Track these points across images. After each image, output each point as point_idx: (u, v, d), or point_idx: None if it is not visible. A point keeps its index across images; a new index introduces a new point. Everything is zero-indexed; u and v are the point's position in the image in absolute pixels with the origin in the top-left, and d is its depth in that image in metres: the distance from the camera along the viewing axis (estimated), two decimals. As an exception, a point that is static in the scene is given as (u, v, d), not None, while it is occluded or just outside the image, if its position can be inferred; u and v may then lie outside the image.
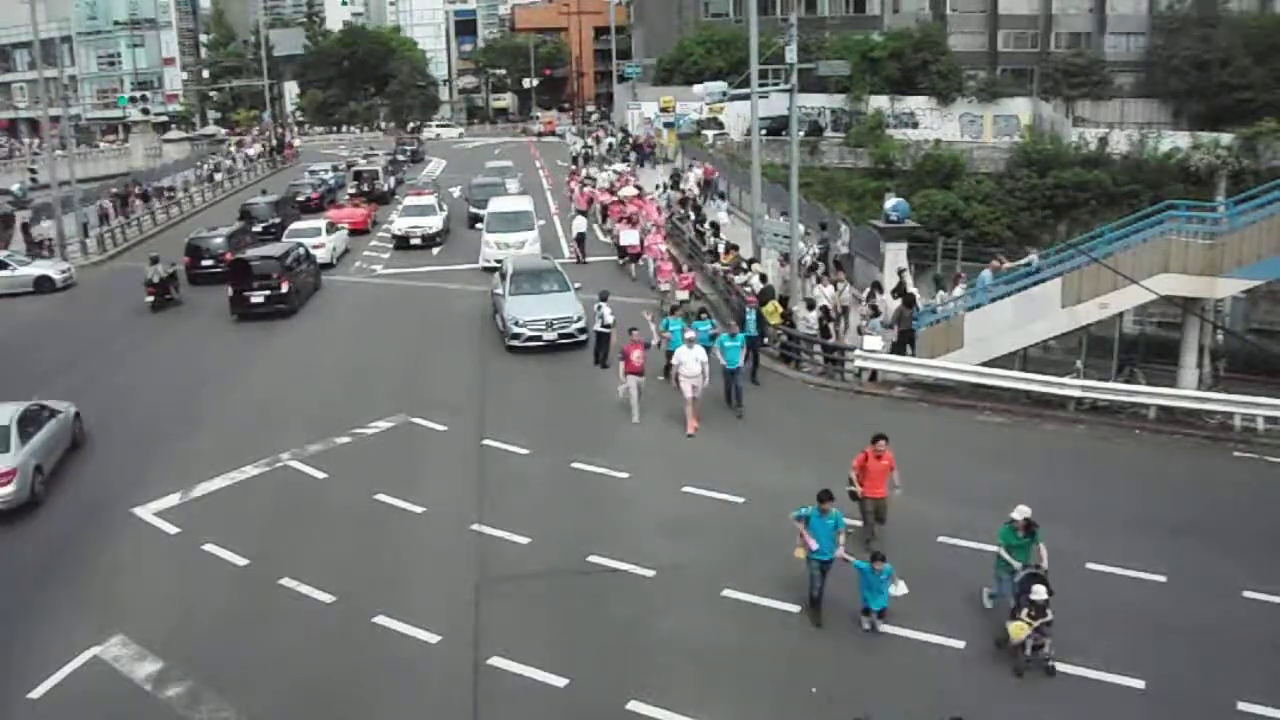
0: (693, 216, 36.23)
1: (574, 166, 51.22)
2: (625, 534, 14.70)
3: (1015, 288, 22.56)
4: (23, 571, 14.27)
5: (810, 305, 23.17)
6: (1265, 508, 15.88)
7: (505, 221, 33.38)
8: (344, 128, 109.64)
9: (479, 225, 35.93)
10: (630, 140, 64.58)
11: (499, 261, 29.79)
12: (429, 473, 17.17)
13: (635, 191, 38.80)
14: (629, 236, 31.26)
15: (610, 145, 65.25)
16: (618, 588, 13.37)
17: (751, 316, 21.51)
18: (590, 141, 68.88)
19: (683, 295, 24.64)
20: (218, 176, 59.58)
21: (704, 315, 20.15)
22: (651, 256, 28.68)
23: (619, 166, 48.83)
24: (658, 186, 42.88)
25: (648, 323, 21.41)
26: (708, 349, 19.07)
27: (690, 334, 19.11)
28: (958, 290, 23.67)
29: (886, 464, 13.77)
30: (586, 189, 41.33)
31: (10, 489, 15.66)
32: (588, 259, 32.75)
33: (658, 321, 21.79)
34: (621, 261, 31.36)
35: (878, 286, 23.28)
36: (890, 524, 14.66)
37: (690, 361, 18.45)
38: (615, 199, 37.49)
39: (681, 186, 42.68)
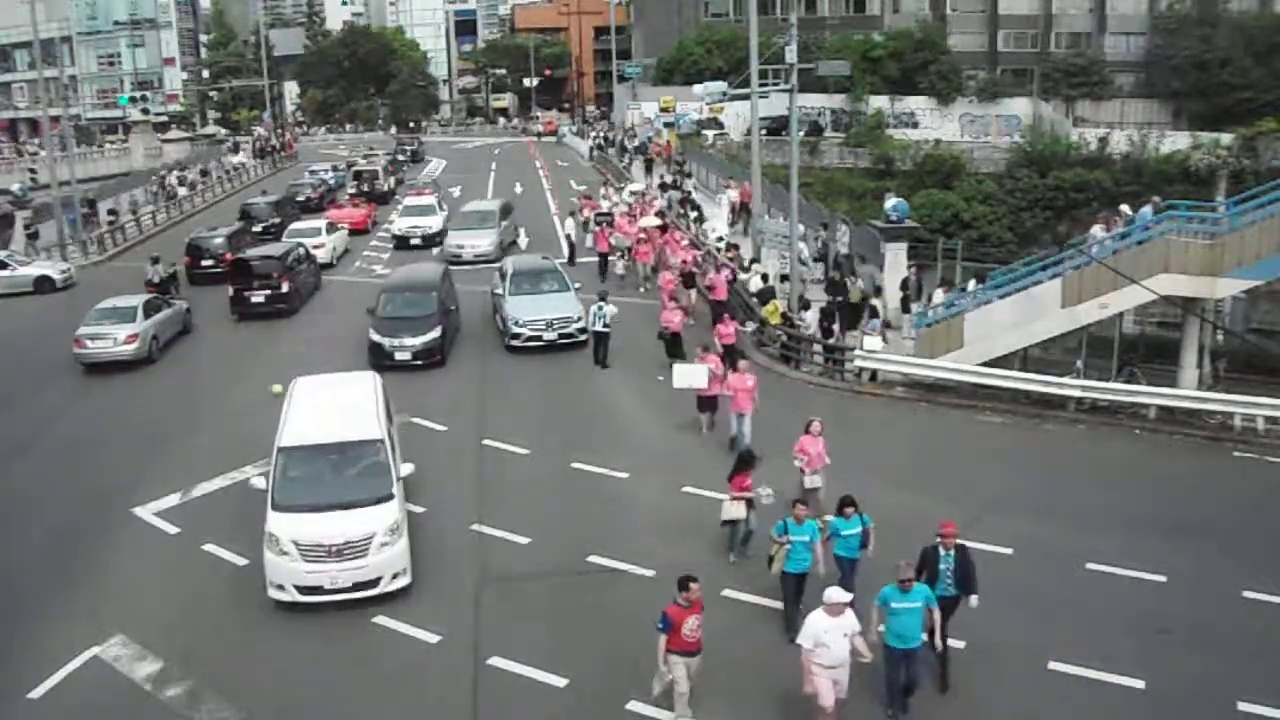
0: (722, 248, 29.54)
1: (585, 190, 45.37)
2: (625, 534, 14.70)
3: (1015, 287, 22.58)
4: (23, 571, 14.26)
5: (807, 306, 23.19)
6: (1265, 507, 15.89)
7: None
8: (322, 130, 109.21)
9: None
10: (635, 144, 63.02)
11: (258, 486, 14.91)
12: (429, 473, 17.10)
13: (658, 221, 31.78)
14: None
15: (641, 144, 60.25)
16: (617, 588, 13.37)
17: (949, 562, 11.12)
18: (609, 137, 66.95)
19: (814, 482, 14.50)
20: (182, 191, 50.14)
21: (852, 510, 12.10)
22: (721, 386, 17.80)
23: (635, 187, 43.39)
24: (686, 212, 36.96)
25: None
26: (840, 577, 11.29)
27: (839, 597, 10.03)
28: (1097, 229, 23.68)
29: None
30: (603, 228, 32.21)
31: (134, 346, 23.41)
32: (577, 260, 32.00)
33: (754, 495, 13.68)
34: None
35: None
36: (890, 523, 14.63)
37: (834, 640, 9.95)
38: (640, 235, 30.52)
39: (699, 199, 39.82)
